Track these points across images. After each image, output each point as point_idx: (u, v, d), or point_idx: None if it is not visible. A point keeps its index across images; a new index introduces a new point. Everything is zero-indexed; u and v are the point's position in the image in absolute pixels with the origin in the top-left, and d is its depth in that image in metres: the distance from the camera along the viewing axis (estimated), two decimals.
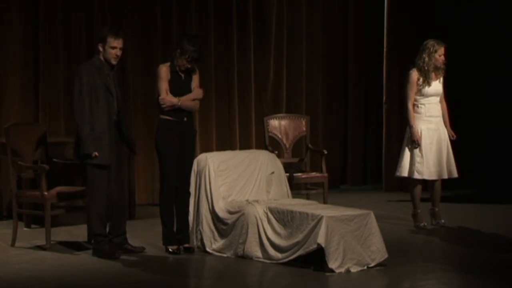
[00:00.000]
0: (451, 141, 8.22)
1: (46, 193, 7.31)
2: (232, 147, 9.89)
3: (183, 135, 7.20)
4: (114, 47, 6.97)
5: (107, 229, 7.10)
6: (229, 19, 10.16)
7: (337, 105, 11.05)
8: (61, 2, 9.20)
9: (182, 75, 7.21)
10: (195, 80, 7.26)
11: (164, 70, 7.15)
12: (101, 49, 6.99)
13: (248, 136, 10.27)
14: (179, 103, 7.12)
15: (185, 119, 7.20)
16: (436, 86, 8.16)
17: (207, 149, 9.43)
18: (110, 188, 7.03)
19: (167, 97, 7.09)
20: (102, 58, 7.01)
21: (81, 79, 6.93)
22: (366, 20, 11.14)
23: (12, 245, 7.51)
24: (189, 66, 7.13)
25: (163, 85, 7.11)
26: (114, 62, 7.02)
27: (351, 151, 11.11)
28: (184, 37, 7.21)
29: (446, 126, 8.23)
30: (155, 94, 7.21)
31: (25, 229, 8.21)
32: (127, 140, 7.21)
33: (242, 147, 9.92)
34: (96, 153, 6.88)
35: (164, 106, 7.10)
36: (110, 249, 7.05)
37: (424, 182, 8.24)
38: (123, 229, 7.20)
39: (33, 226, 8.30)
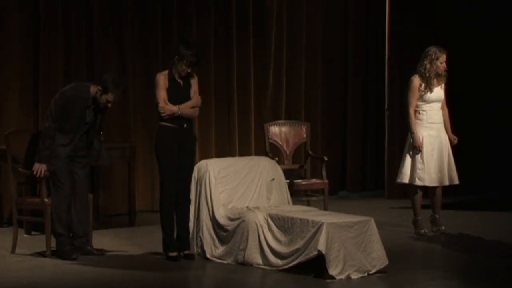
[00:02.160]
0: (452, 146, 8.22)
1: (46, 200, 7.30)
2: (231, 154, 9.88)
3: (183, 142, 7.20)
4: (109, 101, 7.21)
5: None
6: (229, 26, 10.16)
7: (337, 112, 11.06)
8: (61, 10, 9.20)
9: (181, 82, 7.21)
10: (194, 87, 7.26)
11: (161, 79, 7.15)
12: (98, 91, 7.17)
13: (247, 143, 10.27)
14: (179, 111, 7.12)
15: (185, 125, 7.20)
16: (438, 92, 8.16)
17: (206, 156, 9.42)
18: (72, 194, 7.26)
19: (166, 106, 7.09)
20: (92, 92, 7.18)
21: (62, 97, 7.18)
22: (366, 26, 11.15)
23: (12, 252, 7.50)
24: (189, 70, 7.13)
25: (161, 94, 7.11)
26: (102, 107, 7.25)
27: (350, 158, 11.11)
28: (181, 43, 7.23)
29: (447, 132, 8.24)
30: (154, 102, 7.21)
31: (25, 236, 8.21)
32: (98, 158, 7.48)
33: (242, 154, 9.92)
34: (44, 170, 7.15)
35: (164, 114, 7.11)
36: (70, 250, 7.19)
37: (425, 189, 8.24)
38: (84, 232, 7.32)
39: (33, 233, 8.29)
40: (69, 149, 7.25)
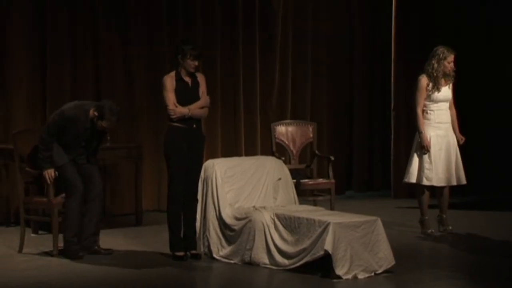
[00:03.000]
0: (460, 146, 8.21)
1: (53, 199, 7.31)
2: (238, 154, 9.89)
3: (192, 142, 7.20)
4: (104, 127, 7.29)
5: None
6: (234, 26, 10.17)
7: (343, 112, 11.06)
8: (67, 11, 9.20)
9: (189, 82, 7.21)
10: (202, 86, 7.27)
11: (169, 81, 7.15)
12: (95, 117, 7.24)
13: (253, 142, 10.27)
14: (189, 113, 7.12)
15: (194, 126, 7.20)
16: (446, 92, 8.15)
17: (212, 155, 9.41)
18: (84, 192, 7.29)
19: (177, 109, 7.09)
20: (91, 115, 7.26)
21: (61, 116, 7.25)
22: (372, 26, 11.15)
23: (20, 251, 7.52)
24: (196, 63, 7.14)
25: (170, 96, 7.11)
26: (99, 130, 7.31)
27: (357, 158, 11.11)
28: (178, 43, 7.26)
29: (455, 132, 8.23)
30: (162, 103, 7.20)
31: (33, 235, 8.22)
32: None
33: (248, 154, 9.92)
34: (53, 173, 7.19)
35: (174, 117, 7.10)
36: (77, 249, 7.23)
37: (432, 189, 8.23)
38: (92, 232, 7.35)
39: (40, 232, 8.30)
40: (70, 158, 7.31)
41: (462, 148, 8.27)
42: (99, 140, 7.49)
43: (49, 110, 9.07)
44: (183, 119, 7.13)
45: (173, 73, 7.21)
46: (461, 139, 8.23)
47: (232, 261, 7.13)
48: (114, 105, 7.28)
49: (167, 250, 7.28)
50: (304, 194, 8.77)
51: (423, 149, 8.07)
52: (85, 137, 7.32)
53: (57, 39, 9.17)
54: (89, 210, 7.32)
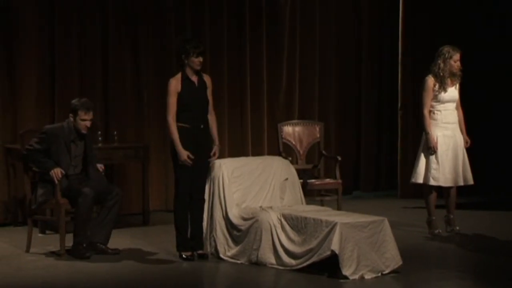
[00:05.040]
0: (466, 148, 8.19)
1: (60, 199, 7.32)
2: (244, 154, 9.88)
3: (199, 142, 7.20)
4: (84, 120, 7.32)
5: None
6: (242, 25, 10.17)
7: (350, 111, 11.05)
8: (77, 11, 9.22)
9: (195, 82, 7.21)
10: (210, 90, 7.26)
11: (173, 84, 7.14)
12: (71, 118, 7.33)
13: (260, 142, 10.27)
14: (217, 143, 7.27)
15: (202, 126, 7.20)
16: (452, 92, 8.14)
17: (219, 156, 9.39)
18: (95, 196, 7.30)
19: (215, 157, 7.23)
20: (72, 124, 7.34)
21: (44, 131, 7.32)
22: (380, 25, 11.14)
23: (27, 251, 7.53)
24: (201, 59, 7.15)
25: (172, 102, 7.10)
26: (84, 131, 7.37)
27: (364, 158, 11.10)
28: (180, 42, 7.28)
29: (462, 133, 8.21)
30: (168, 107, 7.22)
31: (40, 235, 8.24)
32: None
33: (255, 154, 9.92)
34: (60, 171, 7.20)
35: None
36: (84, 249, 7.24)
37: (439, 189, 8.22)
38: (105, 232, 7.38)
39: (47, 232, 8.32)
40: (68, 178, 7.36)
41: (469, 148, 8.25)
42: (90, 151, 7.49)
43: (57, 110, 9.09)
44: (189, 119, 7.13)
45: (179, 75, 7.21)
46: (467, 143, 8.21)
47: (239, 261, 7.13)
48: (81, 98, 7.41)
49: (174, 250, 7.29)
50: (311, 194, 8.78)
51: (430, 150, 8.06)
52: (76, 152, 7.34)
53: (66, 40, 9.17)
54: (106, 207, 7.35)
